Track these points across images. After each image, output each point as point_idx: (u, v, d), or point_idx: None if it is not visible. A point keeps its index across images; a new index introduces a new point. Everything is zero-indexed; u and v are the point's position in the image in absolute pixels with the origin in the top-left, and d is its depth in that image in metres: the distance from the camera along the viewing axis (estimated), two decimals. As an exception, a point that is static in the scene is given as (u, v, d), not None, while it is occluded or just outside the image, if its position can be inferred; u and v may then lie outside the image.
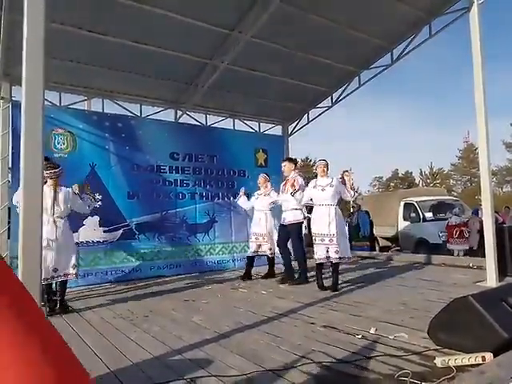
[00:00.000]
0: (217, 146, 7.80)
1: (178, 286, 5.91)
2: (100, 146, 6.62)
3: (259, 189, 6.52)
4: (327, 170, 5.29)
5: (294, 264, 5.87)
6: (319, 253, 5.12)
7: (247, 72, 7.07)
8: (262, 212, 6.30)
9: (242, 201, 6.65)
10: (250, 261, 6.35)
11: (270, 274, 6.31)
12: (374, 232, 11.78)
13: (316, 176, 5.44)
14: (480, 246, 7.84)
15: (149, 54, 6.11)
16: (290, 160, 6.08)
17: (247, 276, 6.21)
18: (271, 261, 6.36)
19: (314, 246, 5.18)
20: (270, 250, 6.19)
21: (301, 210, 5.78)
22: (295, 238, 5.76)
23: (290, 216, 5.74)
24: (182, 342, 3.14)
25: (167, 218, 7.13)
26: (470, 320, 2.61)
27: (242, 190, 6.66)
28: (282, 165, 6.03)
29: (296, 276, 5.79)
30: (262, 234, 6.25)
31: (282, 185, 6.00)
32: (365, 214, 11.32)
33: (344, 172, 5.47)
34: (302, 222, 6.00)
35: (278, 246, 6.00)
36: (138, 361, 2.74)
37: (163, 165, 7.25)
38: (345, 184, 5.18)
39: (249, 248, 6.49)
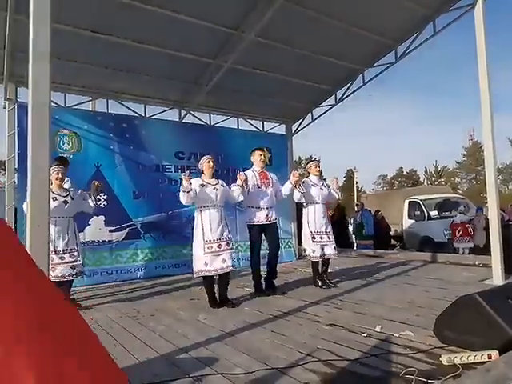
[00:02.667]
0: (221, 145, 7.80)
1: (184, 285, 5.92)
2: (105, 146, 6.64)
3: (203, 173, 4.61)
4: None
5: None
6: (317, 251, 5.13)
7: (251, 71, 7.07)
8: (216, 208, 4.47)
9: (187, 198, 4.34)
10: (211, 281, 4.53)
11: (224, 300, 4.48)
12: (391, 230, 11.89)
13: (307, 176, 5.60)
14: (486, 243, 7.80)
15: (153, 54, 6.13)
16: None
17: (215, 302, 4.45)
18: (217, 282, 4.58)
19: (312, 244, 5.14)
20: (227, 261, 4.41)
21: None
22: (278, 236, 5.16)
23: (275, 213, 5.09)
24: (187, 341, 3.16)
25: (173, 218, 7.13)
26: (475, 318, 2.60)
27: (186, 174, 4.33)
28: (259, 154, 5.10)
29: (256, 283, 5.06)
30: (218, 239, 4.40)
31: (256, 177, 5.00)
32: (369, 212, 11.28)
33: (335, 178, 5.89)
34: None
35: (252, 251, 5.07)
36: (144, 359, 2.77)
37: (168, 164, 7.27)
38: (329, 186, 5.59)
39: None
